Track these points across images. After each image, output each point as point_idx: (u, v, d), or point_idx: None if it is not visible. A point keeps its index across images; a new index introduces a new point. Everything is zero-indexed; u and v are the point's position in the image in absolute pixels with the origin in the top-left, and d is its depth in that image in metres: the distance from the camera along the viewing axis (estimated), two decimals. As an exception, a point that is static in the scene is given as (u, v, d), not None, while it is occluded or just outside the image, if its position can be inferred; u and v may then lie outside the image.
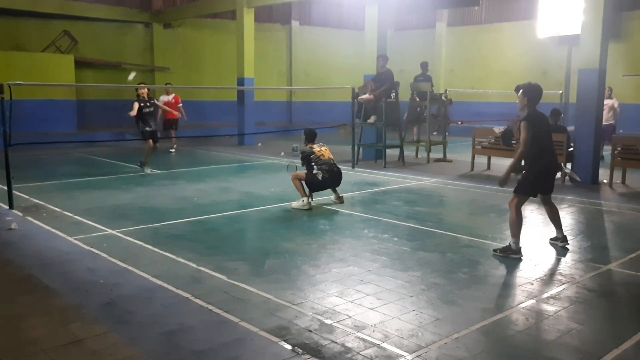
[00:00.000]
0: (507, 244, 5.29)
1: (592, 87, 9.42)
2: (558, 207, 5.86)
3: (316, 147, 7.56)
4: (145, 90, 10.99)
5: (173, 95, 14.37)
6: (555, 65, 19.40)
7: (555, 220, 5.60)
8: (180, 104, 14.31)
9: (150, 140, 10.79)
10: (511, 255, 5.20)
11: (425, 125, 12.78)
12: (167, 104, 13.78)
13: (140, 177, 10.24)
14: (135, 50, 19.72)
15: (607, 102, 13.02)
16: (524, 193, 5.29)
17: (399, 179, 9.98)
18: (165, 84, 14.96)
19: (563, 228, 5.65)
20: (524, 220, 5.40)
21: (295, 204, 7.39)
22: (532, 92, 5.26)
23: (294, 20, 22.67)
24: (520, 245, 5.23)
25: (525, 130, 5.11)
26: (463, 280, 4.62)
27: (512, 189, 5.39)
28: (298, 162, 7.82)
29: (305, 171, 7.49)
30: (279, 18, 22.37)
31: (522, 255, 5.20)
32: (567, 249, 5.52)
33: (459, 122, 19.47)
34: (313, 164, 7.40)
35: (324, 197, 7.92)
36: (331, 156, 7.62)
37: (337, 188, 7.72)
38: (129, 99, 19.05)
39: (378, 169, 11.26)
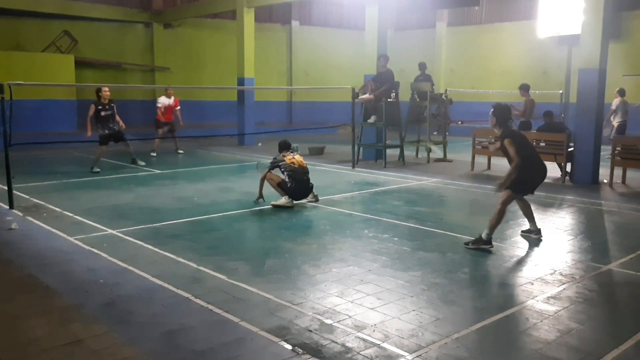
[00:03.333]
0: (479, 236, 5.48)
1: (592, 87, 9.42)
2: (558, 207, 5.90)
3: (288, 156, 7.57)
4: (108, 92, 10.83)
5: (173, 98, 13.72)
6: (555, 65, 19.42)
7: (528, 214, 5.94)
8: (178, 108, 13.75)
9: (104, 147, 10.80)
10: (482, 246, 5.41)
11: (425, 125, 12.77)
12: (167, 107, 13.43)
13: (140, 177, 10.24)
14: (135, 50, 19.72)
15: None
16: (515, 191, 5.56)
17: (399, 179, 9.98)
18: (166, 89, 14.27)
19: (536, 221, 5.94)
20: (524, 224, 5.47)
21: (277, 202, 7.41)
22: (501, 113, 5.71)
23: (294, 20, 22.68)
24: (492, 236, 5.45)
25: (512, 146, 5.48)
26: (463, 280, 4.62)
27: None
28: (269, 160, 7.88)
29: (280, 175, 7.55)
30: (279, 18, 22.37)
31: (492, 246, 5.42)
32: (541, 240, 5.79)
33: (459, 122, 19.49)
34: (283, 170, 7.44)
35: (327, 196, 7.93)
36: (303, 164, 7.56)
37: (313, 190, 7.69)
38: (129, 99, 19.18)
39: (378, 169, 11.26)
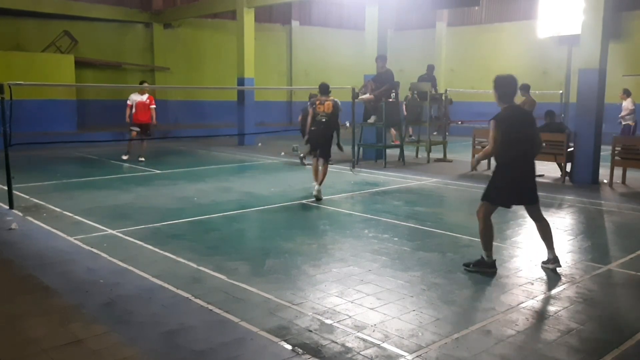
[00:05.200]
0: (480, 257, 4.85)
1: (592, 87, 9.42)
2: (558, 207, 5.82)
3: (318, 102, 8.10)
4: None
5: (147, 95, 12.43)
6: (555, 65, 19.41)
7: (546, 238, 4.89)
8: (154, 106, 12.48)
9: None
10: (484, 269, 4.77)
11: (425, 125, 12.77)
12: (139, 105, 12.20)
13: (140, 177, 10.24)
14: (135, 50, 19.72)
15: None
16: (492, 201, 4.79)
17: (399, 179, 9.98)
18: (141, 82, 13.10)
19: (555, 247, 4.92)
20: (524, 224, 5.35)
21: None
22: (503, 87, 4.77)
23: (294, 20, 22.68)
24: (494, 258, 4.85)
25: (494, 130, 4.58)
26: (463, 280, 4.62)
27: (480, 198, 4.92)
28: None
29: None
30: (279, 18, 22.37)
31: (496, 269, 4.79)
32: (558, 272, 4.84)
33: (459, 122, 19.47)
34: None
35: (327, 196, 7.94)
36: (327, 110, 7.99)
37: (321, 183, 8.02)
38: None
39: (378, 169, 11.26)
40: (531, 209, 4.92)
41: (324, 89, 8.17)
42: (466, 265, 4.91)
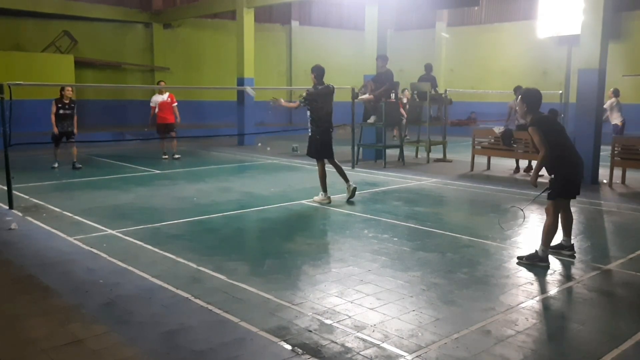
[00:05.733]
0: (534, 251, 5.04)
1: (592, 87, 9.42)
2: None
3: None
4: (70, 90, 10.81)
5: (167, 94, 12.71)
6: (555, 65, 19.41)
7: (567, 225, 5.28)
8: (176, 104, 12.72)
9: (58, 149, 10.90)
10: (538, 263, 4.95)
11: (425, 125, 12.76)
12: (161, 105, 12.49)
13: (140, 177, 10.24)
14: (135, 50, 19.73)
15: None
16: (558, 196, 5.03)
17: (398, 179, 9.98)
18: (158, 82, 13.26)
19: (572, 236, 5.32)
20: (526, 219, 5.36)
21: (317, 198, 7.77)
22: (530, 98, 5.06)
23: (294, 20, 22.69)
24: (548, 253, 5.02)
25: (536, 134, 4.89)
26: (463, 280, 4.62)
27: (546, 195, 5.11)
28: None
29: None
30: (279, 18, 22.38)
31: (549, 264, 4.97)
32: (558, 272, 4.89)
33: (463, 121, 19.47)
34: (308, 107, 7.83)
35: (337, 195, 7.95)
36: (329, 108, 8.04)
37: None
38: (129, 99, 19.19)
39: (378, 169, 11.26)
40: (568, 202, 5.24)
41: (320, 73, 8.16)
42: (520, 258, 5.10)
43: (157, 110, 12.60)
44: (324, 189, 7.79)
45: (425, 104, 12.42)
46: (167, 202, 7.87)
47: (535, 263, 4.97)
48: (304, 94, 7.77)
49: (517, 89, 11.30)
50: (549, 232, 5.00)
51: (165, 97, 12.65)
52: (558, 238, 5.24)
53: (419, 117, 12.92)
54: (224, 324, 3.73)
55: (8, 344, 3.44)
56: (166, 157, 12.69)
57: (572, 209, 7.00)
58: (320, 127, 7.82)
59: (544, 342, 3.52)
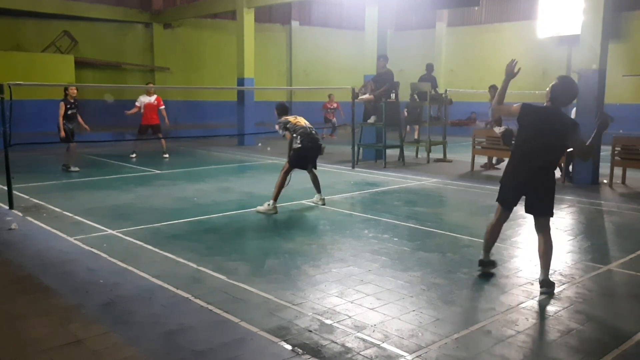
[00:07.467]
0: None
1: (592, 87, 9.42)
2: (558, 207, 5.79)
3: (291, 118, 7.74)
4: (75, 90, 10.84)
5: (155, 96, 12.71)
6: (555, 65, 19.37)
7: (543, 255, 4.38)
8: (162, 107, 12.75)
9: (74, 144, 10.89)
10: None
11: (425, 125, 12.76)
12: (147, 106, 12.49)
13: (140, 177, 10.24)
14: (135, 50, 19.72)
15: None
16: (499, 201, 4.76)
17: (399, 179, 9.98)
18: (147, 83, 13.19)
19: (550, 269, 4.39)
20: (524, 224, 5.34)
21: (261, 208, 7.15)
22: (556, 90, 4.36)
23: (294, 20, 22.68)
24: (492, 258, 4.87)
25: (515, 107, 4.44)
26: (463, 280, 4.62)
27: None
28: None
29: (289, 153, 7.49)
30: (279, 18, 22.37)
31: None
32: (558, 273, 4.73)
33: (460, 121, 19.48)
34: (292, 131, 7.51)
35: (326, 196, 7.94)
36: (307, 124, 7.71)
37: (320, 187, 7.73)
38: (129, 99, 19.12)
39: (378, 169, 11.26)
40: (535, 219, 4.71)
41: (284, 110, 8.11)
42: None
43: (141, 110, 12.61)
44: (276, 198, 7.22)
45: (426, 104, 12.42)
46: (167, 202, 7.87)
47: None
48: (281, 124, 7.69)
49: (492, 88, 11.41)
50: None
51: (152, 99, 12.66)
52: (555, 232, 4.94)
53: (419, 117, 12.92)
54: (224, 324, 3.73)
55: (8, 344, 3.44)
56: (134, 155, 12.60)
57: (572, 209, 6.92)
58: (301, 143, 7.46)
59: (544, 342, 3.52)
